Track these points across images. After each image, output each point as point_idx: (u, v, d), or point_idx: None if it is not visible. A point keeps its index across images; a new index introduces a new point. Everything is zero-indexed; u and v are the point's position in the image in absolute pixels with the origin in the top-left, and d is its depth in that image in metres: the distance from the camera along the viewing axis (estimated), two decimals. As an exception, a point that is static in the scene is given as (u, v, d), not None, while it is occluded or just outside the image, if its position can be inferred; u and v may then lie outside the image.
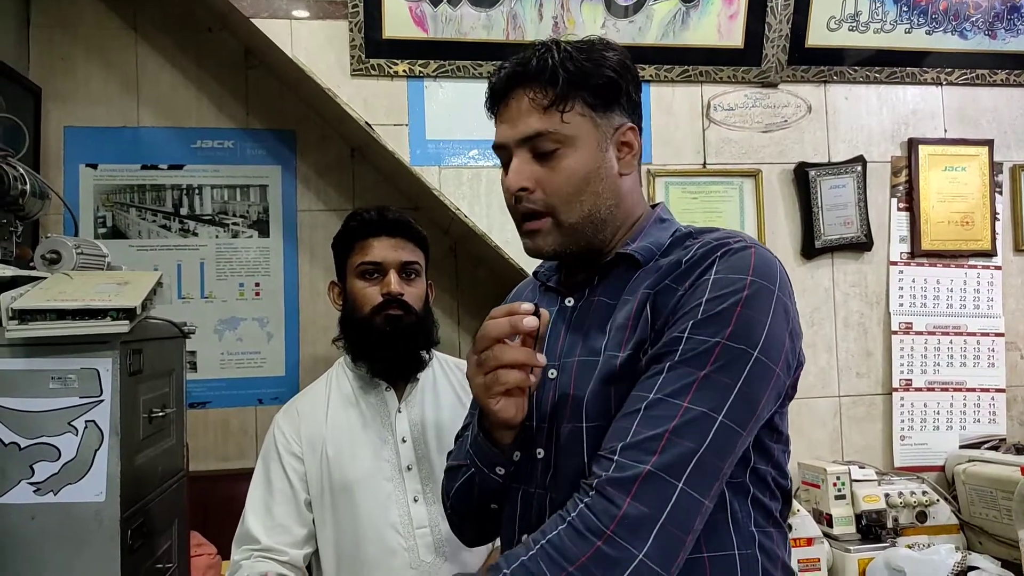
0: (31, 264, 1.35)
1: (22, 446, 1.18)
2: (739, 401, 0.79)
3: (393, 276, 1.47)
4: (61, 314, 1.17)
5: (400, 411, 1.49)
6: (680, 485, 0.76)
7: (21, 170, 1.38)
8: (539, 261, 1.10)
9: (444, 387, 1.55)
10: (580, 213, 0.92)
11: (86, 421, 1.20)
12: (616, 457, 0.79)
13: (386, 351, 1.46)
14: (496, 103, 0.96)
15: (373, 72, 2.01)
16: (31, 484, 1.18)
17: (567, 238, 0.93)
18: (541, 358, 0.87)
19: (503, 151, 0.95)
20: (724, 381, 0.79)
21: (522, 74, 0.92)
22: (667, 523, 0.75)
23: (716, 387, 0.79)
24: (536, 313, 0.86)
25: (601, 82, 0.92)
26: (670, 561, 0.76)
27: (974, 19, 2.27)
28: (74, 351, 1.20)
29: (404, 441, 1.46)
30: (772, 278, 0.85)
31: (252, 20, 1.97)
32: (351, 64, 2.00)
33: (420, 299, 1.51)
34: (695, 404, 0.78)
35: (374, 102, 2.03)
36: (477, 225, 2.06)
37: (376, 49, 1.99)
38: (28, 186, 1.39)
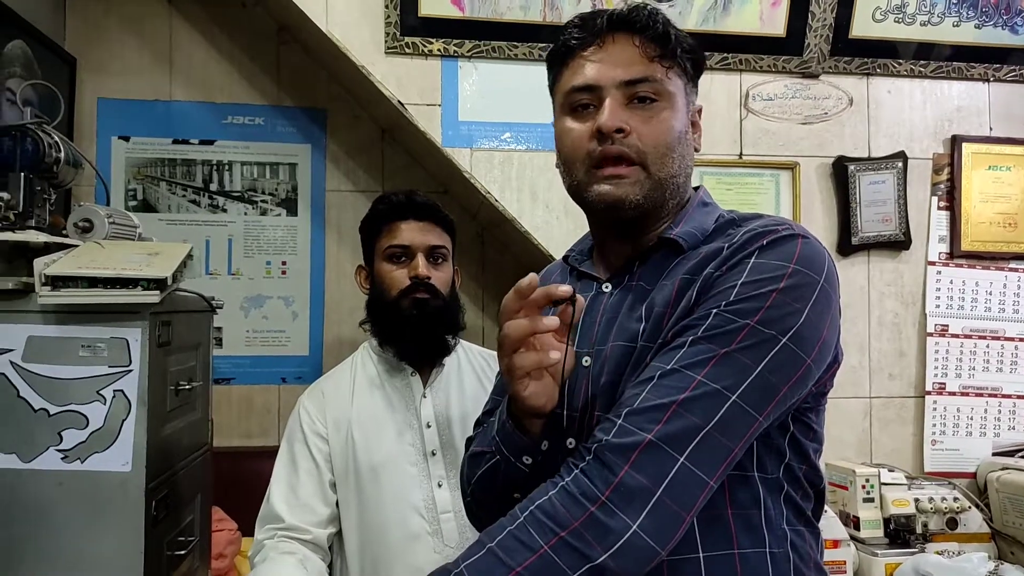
0: (63, 232, 1.35)
1: (51, 413, 1.19)
2: (758, 384, 0.76)
3: (421, 259, 1.45)
4: (92, 282, 1.17)
5: (425, 396, 1.48)
6: (682, 459, 0.74)
7: (56, 138, 1.38)
8: (567, 246, 1.08)
9: (468, 373, 1.54)
10: (669, 169, 0.90)
11: (114, 390, 1.20)
12: (620, 422, 0.77)
13: (413, 334, 1.44)
14: (588, 43, 0.91)
15: (407, 50, 1.98)
16: (59, 451, 1.18)
17: (653, 191, 0.89)
18: (550, 321, 0.83)
19: (588, 92, 0.90)
20: (745, 361, 0.77)
21: (632, 20, 0.90)
22: (665, 497, 0.73)
23: (735, 366, 0.76)
24: (572, 298, 0.83)
25: (697, 56, 0.94)
26: (666, 536, 0.74)
27: (1027, 13, 2.20)
28: (104, 320, 1.20)
29: (429, 426, 1.45)
30: (817, 268, 0.82)
31: (288, -6, 1.95)
32: (386, 42, 1.97)
33: (447, 283, 1.49)
34: (710, 379, 0.76)
35: (407, 81, 2.00)
36: (507, 209, 2.03)
37: (411, 27, 1.97)
38: (62, 154, 1.38)
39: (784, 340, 0.77)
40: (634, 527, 0.72)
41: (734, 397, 0.76)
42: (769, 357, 0.77)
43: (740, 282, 0.80)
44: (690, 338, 0.79)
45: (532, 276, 0.83)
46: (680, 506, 0.74)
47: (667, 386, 0.77)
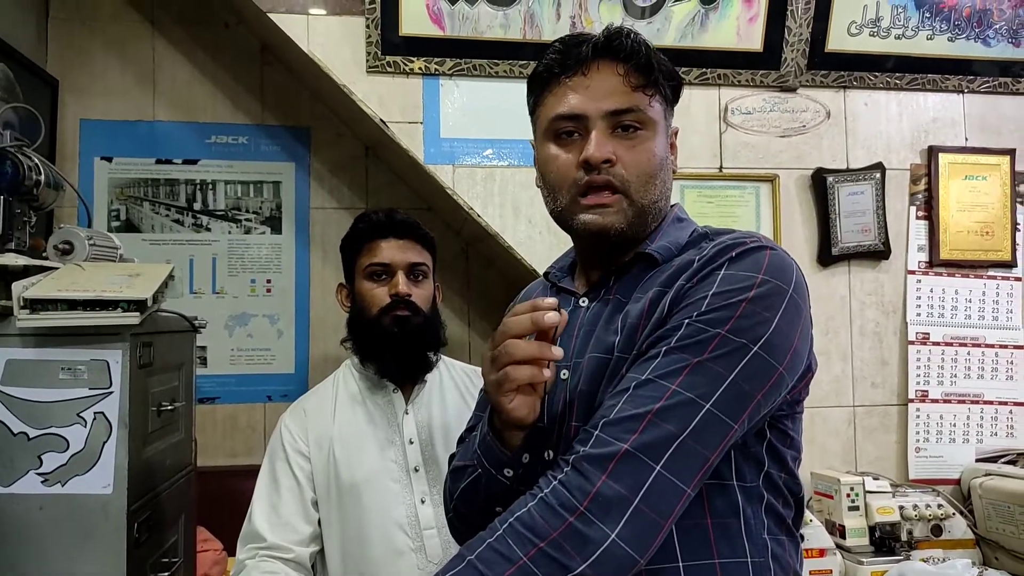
0: (44, 254, 1.35)
1: (31, 436, 1.18)
2: (731, 392, 0.77)
3: (401, 277, 1.46)
4: (72, 304, 1.17)
5: (407, 412, 1.48)
6: (658, 468, 0.74)
7: (36, 160, 1.38)
8: (550, 260, 1.09)
9: (450, 390, 1.54)
10: (651, 196, 0.92)
11: (95, 413, 1.20)
12: (596, 433, 0.78)
13: (394, 351, 1.45)
14: (571, 70, 0.92)
15: (389, 69, 2.00)
16: (39, 474, 1.18)
17: (636, 219, 0.91)
18: (557, 351, 0.84)
19: (573, 121, 0.92)
20: (718, 370, 0.78)
21: (616, 49, 0.91)
22: (642, 505, 0.74)
23: (709, 374, 0.78)
24: (557, 311, 0.84)
25: (675, 81, 0.96)
26: (645, 544, 0.74)
27: (997, 26, 2.24)
28: (84, 342, 1.20)
29: (411, 443, 1.45)
30: (786, 279, 0.83)
31: (269, 15, 1.97)
32: (367, 61, 1.99)
33: (428, 300, 1.50)
34: (684, 388, 0.77)
35: (389, 99, 2.02)
36: (490, 225, 2.05)
37: (392, 46, 1.99)
38: (43, 176, 1.39)
39: (755, 348, 0.79)
40: (612, 536, 0.73)
41: (708, 405, 0.77)
42: (741, 365, 0.78)
43: (711, 293, 0.82)
44: (663, 348, 0.80)
45: (554, 315, 0.83)
46: (658, 514, 0.74)
47: (642, 396, 0.78)
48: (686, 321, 0.81)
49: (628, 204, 0.90)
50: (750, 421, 0.81)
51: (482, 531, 0.79)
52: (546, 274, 1.08)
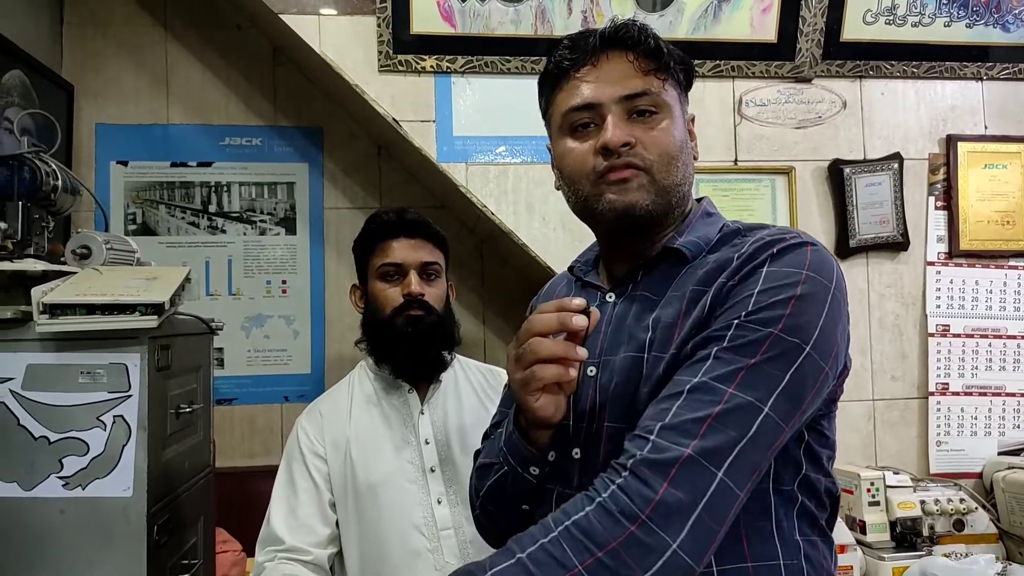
0: (62, 259, 1.36)
1: (52, 440, 1.19)
2: (786, 395, 0.76)
3: (413, 277, 1.46)
4: (90, 309, 1.18)
5: (423, 413, 1.48)
6: (720, 474, 0.72)
7: (53, 166, 1.40)
8: (564, 258, 1.08)
9: (466, 389, 1.54)
10: (674, 178, 0.90)
11: (114, 416, 1.21)
12: (653, 437, 0.75)
13: (408, 351, 1.45)
14: (581, 63, 0.92)
15: (400, 68, 2.00)
16: (60, 478, 1.19)
17: (660, 198, 0.89)
18: (582, 351, 0.82)
19: (588, 111, 0.91)
20: (773, 372, 0.76)
21: (624, 38, 0.91)
22: (703, 513, 0.72)
23: (764, 377, 0.76)
24: (587, 311, 0.82)
25: (686, 66, 0.96)
26: (702, 553, 0.73)
27: (1017, 11, 2.20)
28: (103, 346, 1.21)
29: (427, 443, 1.45)
30: (828, 276, 0.82)
31: (280, 16, 1.97)
32: (379, 60, 1.99)
33: (441, 299, 1.50)
34: (741, 392, 0.75)
35: (401, 98, 2.02)
36: (504, 223, 2.04)
37: (404, 45, 1.98)
38: (60, 182, 1.40)
39: (808, 349, 0.77)
40: (674, 546, 0.71)
41: (767, 409, 0.75)
42: (795, 367, 0.77)
43: (756, 291, 0.80)
44: (714, 350, 0.78)
45: (583, 319, 0.82)
46: (716, 522, 0.73)
47: (699, 400, 0.76)
48: (735, 321, 0.79)
49: (650, 181, 0.89)
50: (797, 424, 0.79)
51: (532, 527, 0.77)
52: (571, 268, 1.06)
